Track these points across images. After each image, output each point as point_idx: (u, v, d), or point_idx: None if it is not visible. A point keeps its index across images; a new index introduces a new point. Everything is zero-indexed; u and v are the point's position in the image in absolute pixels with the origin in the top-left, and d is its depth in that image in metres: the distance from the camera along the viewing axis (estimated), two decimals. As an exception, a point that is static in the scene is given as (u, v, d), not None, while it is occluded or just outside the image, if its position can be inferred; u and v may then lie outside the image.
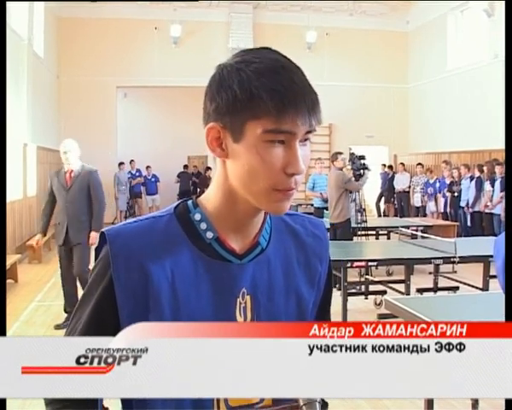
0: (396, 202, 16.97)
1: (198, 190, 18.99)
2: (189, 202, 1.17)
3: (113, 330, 1.06)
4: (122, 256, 1.09)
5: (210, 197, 1.16)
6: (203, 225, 1.14)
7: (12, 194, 10.58)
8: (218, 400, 1.11)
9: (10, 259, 8.97)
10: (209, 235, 1.14)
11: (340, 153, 9.09)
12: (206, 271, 1.12)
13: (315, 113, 1.07)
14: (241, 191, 1.10)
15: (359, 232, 9.52)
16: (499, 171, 11.80)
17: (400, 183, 16.62)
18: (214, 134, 1.09)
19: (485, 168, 12.83)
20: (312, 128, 1.08)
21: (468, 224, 12.84)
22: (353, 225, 9.23)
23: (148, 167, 18.22)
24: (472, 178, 12.89)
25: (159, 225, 1.14)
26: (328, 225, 8.76)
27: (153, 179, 18.21)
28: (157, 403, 1.09)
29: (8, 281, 8.94)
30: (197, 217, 1.15)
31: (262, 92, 1.03)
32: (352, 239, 9.18)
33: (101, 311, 1.12)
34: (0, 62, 8.21)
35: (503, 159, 11.04)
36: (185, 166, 19.75)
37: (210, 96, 1.10)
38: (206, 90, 1.11)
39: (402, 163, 17.42)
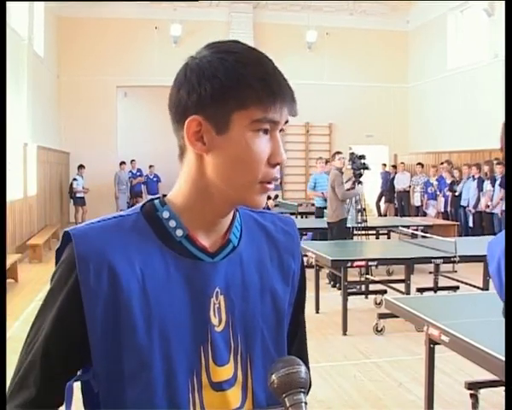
0: (396, 202, 16.98)
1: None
2: (156, 201, 1.13)
3: (78, 339, 1.02)
4: (89, 258, 1.02)
5: (179, 195, 1.11)
6: (172, 223, 1.09)
7: (12, 193, 10.58)
8: (195, 407, 1.06)
9: (11, 258, 8.97)
10: (179, 233, 1.08)
11: (339, 152, 9.07)
12: (178, 270, 1.06)
13: (295, 102, 1.07)
14: (221, 186, 1.06)
15: (358, 232, 9.52)
16: (499, 170, 11.79)
17: (400, 182, 16.62)
18: (194, 128, 1.04)
19: (486, 168, 12.82)
20: (288, 118, 1.07)
21: (470, 224, 12.81)
22: (354, 224, 9.23)
23: (150, 166, 18.20)
24: (474, 178, 12.87)
25: (126, 225, 1.08)
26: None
27: (154, 179, 18.19)
28: (130, 405, 1.04)
29: (9, 280, 8.94)
30: (165, 215, 1.09)
31: (250, 80, 1.01)
32: (351, 238, 9.18)
33: (65, 317, 1.03)
34: (0, 62, 8.21)
35: (503, 158, 11.01)
36: None
37: (188, 87, 1.05)
38: (180, 81, 1.07)
39: (402, 162, 17.44)
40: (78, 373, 1.08)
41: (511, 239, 1.62)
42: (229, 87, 1.01)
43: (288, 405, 0.98)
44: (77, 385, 1.08)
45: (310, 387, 1.27)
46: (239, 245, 1.14)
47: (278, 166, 1.06)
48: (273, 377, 1.00)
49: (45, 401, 1.04)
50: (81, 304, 1.01)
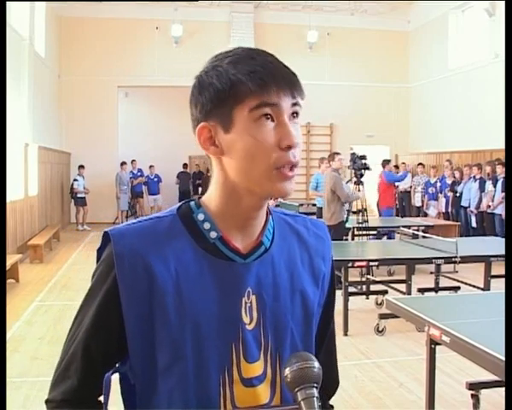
0: (397, 202, 16.94)
1: (201, 190, 18.93)
2: (192, 203, 1.17)
3: (116, 334, 1.08)
4: (127, 257, 1.08)
5: (212, 197, 1.16)
6: (207, 225, 1.14)
7: (13, 194, 10.58)
8: (225, 401, 1.11)
9: (11, 258, 8.96)
10: (213, 234, 1.13)
11: (338, 153, 9.03)
12: (211, 270, 1.11)
13: (295, 86, 1.09)
14: (244, 184, 1.10)
15: (359, 232, 9.53)
16: (500, 171, 11.78)
17: (402, 182, 16.57)
18: (206, 134, 1.11)
19: (487, 168, 12.80)
20: (296, 100, 1.09)
21: (474, 225, 12.78)
22: (355, 225, 9.23)
23: (151, 167, 18.19)
24: (475, 178, 12.86)
25: (162, 226, 1.13)
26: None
27: (155, 179, 18.16)
28: (162, 405, 1.09)
29: (10, 281, 8.94)
30: (200, 217, 1.14)
31: (240, 76, 1.06)
32: (352, 239, 9.17)
33: (104, 313, 1.10)
34: (0, 62, 8.21)
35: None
36: (185, 166, 19.66)
37: (194, 101, 1.12)
38: (190, 99, 1.14)
39: (403, 163, 17.41)
40: (117, 365, 1.14)
41: (511, 239, 1.62)
42: (224, 89, 1.07)
43: (299, 399, 1.00)
44: (115, 377, 1.14)
45: (337, 387, 1.31)
46: (271, 247, 1.18)
47: (293, 151, 1.08)
48: (286, 371, 1.03)
49: (86, 391, 1.11)
50: (119, 300, 1.08)
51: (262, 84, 1.05)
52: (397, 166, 17.68)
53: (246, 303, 1.13)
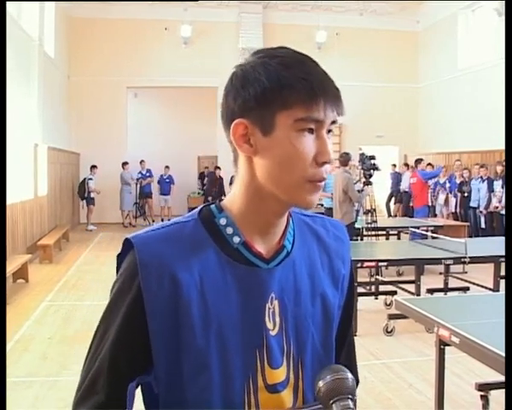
0: (403, 201, 16.85)
1: (205, 189, 18.81)
2: (213, 207, 1.15)
3: (142, 344, 1.05)
4: (151, 264, 1.05)
5: (235, 200, 1.13)
6: (229, 230, 1.11)
7: (23, 194, 10.63)
8: (250, 408, 1.09)
9: (21, 259, 9.02)
10: (236, 239, 1.11)
11: (348, 153, 9.00)
12: (235, 276, 1.09)
13: (340, 102, 1.08)
14: (271, 188, 1.08)
15: (368, 233, 9.51)
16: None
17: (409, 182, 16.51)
18: (241, 131, 1.07)
19: (498, 168, 12.76)
20: (336, 118, 1.08)
21: (483, 225, 12.73)
22: (363, 225, 9.22)
23: (166, 167, 18.16)
24: (482, 179, 12.82)
25: (185, 231, 1.11)
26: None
27: (167, 180, 18.17)
28: (188, 406, 1.07)
29: (19, 281, 8.99)
30: (223, 221, 1.12)
31: (292, 81, 1.03)
32: (362, 239, 9.16)
33: (130, 324, 1.06)
34: (0, 62, 8.24)
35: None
36: (217, 168, 18.22)
37: (233, 93, 1.08)
38: (227, 88, 1.10)
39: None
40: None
41: (511, 239, 1.61)
42: (272, 89, 1.03)
43: (330, 402, 0.98)
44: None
45: (357, 386, 1.27)
46: (292, 251, 1.16)
47: (326, 166, 1.07)
48: (320, 383, 1.01)
49: (114, 405, 1.06)
50: (144, 310, 1.05)
51: (313, 94, 1.03)
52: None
53: (269, 309, 1.11)
